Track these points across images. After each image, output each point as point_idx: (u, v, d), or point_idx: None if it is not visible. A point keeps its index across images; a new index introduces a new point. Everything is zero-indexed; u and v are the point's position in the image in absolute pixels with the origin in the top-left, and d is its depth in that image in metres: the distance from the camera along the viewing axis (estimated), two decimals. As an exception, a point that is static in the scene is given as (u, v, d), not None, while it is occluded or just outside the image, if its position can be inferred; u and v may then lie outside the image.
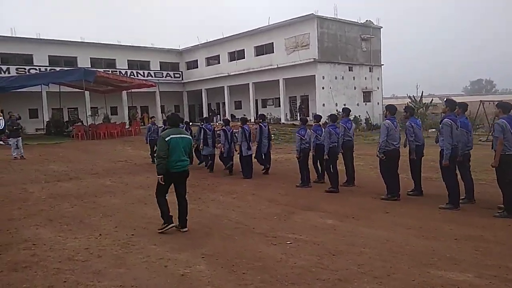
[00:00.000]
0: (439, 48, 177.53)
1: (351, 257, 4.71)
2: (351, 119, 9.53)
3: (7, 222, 6.78)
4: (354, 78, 32.29)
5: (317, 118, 9.85)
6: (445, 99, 7.40)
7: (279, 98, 33.25)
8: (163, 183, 5.93)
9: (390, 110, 7.98)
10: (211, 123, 12.86)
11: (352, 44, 32.19)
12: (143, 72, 37.84)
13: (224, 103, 38.84)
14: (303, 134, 9.42)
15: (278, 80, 32.01)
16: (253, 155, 11.16)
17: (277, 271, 4.37)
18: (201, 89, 39.50)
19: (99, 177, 11.94)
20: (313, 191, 8.95)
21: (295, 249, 5.08)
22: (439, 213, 6.73)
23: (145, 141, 15.51)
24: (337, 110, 29.61)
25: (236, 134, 11.84)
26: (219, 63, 37.94)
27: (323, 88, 30.03)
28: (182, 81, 41.04)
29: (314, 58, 29.34)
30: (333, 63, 30.67)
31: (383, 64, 34.56)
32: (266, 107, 36.44)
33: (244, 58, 35.13)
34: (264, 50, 33.72)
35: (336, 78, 30.89)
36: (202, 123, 13.41)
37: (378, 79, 34.36)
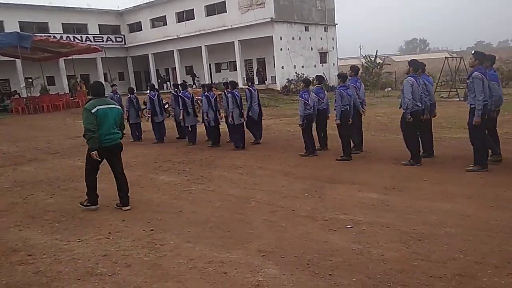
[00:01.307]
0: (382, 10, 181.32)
1: (442, 240, 4.00)
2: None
3: (-26, 225, 5.33)
4: (310, 38, 31.51)
5: (307, 82, 8.91)
6: (473, 52, 6.74)
7: (235, 61, 31.80)
8: (98, 159, 5.53)
9: (414, 66, 7.23)
10: (187, 90, 11.49)
11: (307, 2, 31.15)
12: (81, 37, 34.17)
13: (174, 69, 36.62)
14: (306, 98, 8.48)
15: (233, 42, 30.41)
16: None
17: (370, 268, 3.54)
18: (148, 54, 36.82)
19: (63, 157, 10.34)
20: (322, 160, 8.16)
21: (366, 235, 4.28)
22: (480, 176, 6.22)
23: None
24: (296, 73, 29.09)
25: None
26: (166, 24, 35.31)
27: (281, 49, 29.00)
28: (125, 46, 37.93)
29: (271, 18, 28.01)
30: (289, 23, 29.56)
31: (337, 24, 34.04)
32: (220, 71, 34.85)
33: (194, 18, 32.89)
34: (216, 9, 31.71)
35: (293, 38, 29.92)
36: (176, 89, 12.03)
37: (333, 39, 33.87)
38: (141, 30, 37.15)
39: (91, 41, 33.89)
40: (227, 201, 5.80)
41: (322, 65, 32.61)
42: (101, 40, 35.36)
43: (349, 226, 4.53)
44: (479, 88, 6.33)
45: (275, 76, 29.84)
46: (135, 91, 13.15)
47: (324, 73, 31.57)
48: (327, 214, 4.98)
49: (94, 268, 3.86)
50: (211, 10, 31.96)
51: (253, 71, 33.03)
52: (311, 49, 31.67)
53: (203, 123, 10.85)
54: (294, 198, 5.77)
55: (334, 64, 34.06)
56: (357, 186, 6.16)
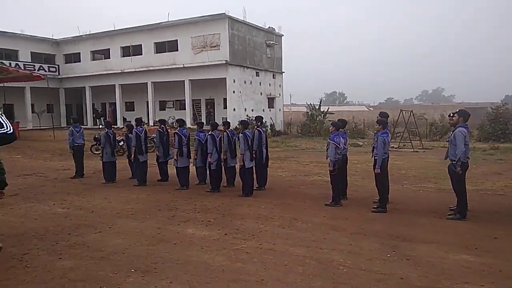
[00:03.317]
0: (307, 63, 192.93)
1: None
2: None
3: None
4: (260, 83, 31.74)
5: (336, 125, 8.37)
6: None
7: (182, 100, 30.76)
8: None
9: (464, 116, 7.05)
10: (164, 126, 10.42)
11: (258, 49, 31.62)
12: (9, 63, 30.80)
13: (112, 104, 34.44)
14: (338, 142, 7.89)
15: (183, 81, 29.46)
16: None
17: None
18: (85, 87, 34.22)
19: (31, 201, 8.45)
20: (355, 211, 7.48)
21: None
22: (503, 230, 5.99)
23: (69, 149, 11.96)
24: (247, 115, 28.75)
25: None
26: (109, 58, 33.35)
27: (233, 92, 28.66)
28: (59, 76, 34.94)
29: (226, 60, 27.77)
30: (242, 67, 29.56)
31: (284, 72, 34.89)
32: (165, 109, 33.37)
33: (141, 54, 31.49)
34: (166, 47, 30.76)
35: (245, 82, 29.86)
36: (162, 126, 10.80)
37: (280, 86, 34.54)
38: (79, 61, 34.64)
39: (21, 69, 30.66)
40: (306, 265, 4.80)
41: (270, 110, 32.83)
42: (32, 69, 32.10)
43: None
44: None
45: (226, 118, 29.18)
46: (112, 126, 11.59)
47: (271, 118, 31.92)
48: (447, 284, 4.25)
49: None
50: (161, 48, 30.94)
51: (200, 111, 32.15)
52: (261, 93, 31.84)
53: (194, 165, 9.84)
54: (381, 260, 4.96)
55: (280, 109, 34.53)
56: (434, 245, 5.54)
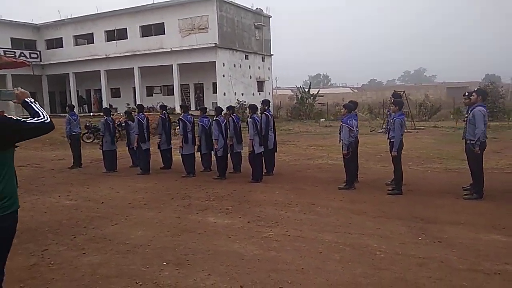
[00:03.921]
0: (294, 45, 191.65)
1: None
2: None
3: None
4: (249, 67, 31.36)
5: (349, 107, 8.20)
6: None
7: (170, 85, 30.22)
8: None
9: (483, 95, 7.00)
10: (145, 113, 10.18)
11: (247, 31, 31.12)
12: (-12, 50, 29.69)
13: (97, 90, 33.66)
14: (351, 125, 7.78)
15: (171, 65, 28.85)
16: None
17: None
18: (68, 73, 33.22)
19: (34, 193, 8.15)
20: (370, 194, 7.41)
21: None
22: None
23: (66, 138, 11.59)
24: (237, 100, 28.45)
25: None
26: (93, 42, 32.37)
27: (223, 75, 28.25)
28: (41, 63, 33.81)
29: (215, 43, 27.25)
30: (232, 50, 29.08)
31: (272, 54, 34.52)
32: (152, 95, 32.75)
33: (126, 38, 30.67)
34: (152, 30, 29.99)
35: (234, 66, 29.44)
36: (164, 112, 10.53)
37: (268, 69, 34.19)
38: (62, 47, 33.58)
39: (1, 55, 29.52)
40: (342, 251, 4.70)
41: (260, 94, 32.53)
42: (12, 55, 30.95)
43: (542, 280, 3.80)
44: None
45: (216, 102, 28.81)
46: (111, 113, 11.22)
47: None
48: (487, 265, 4.21)
49: None
50: (147, 31, 30.15)
51: (189, 96, 31.66)
52: (250, 77, 31.50)
53: (199, 151, 9.67)
54: (414, 244, 4.90)
55: (269, 93, 34.26)
56: (461, 226, 5.52)
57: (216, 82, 28.36)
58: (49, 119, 2.97)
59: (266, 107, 9.30)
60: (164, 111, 10.74)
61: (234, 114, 9.79)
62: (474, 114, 6.86)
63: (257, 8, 32.85)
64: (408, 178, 8.59)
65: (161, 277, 4.11)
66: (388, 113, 8.74)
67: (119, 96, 34.00)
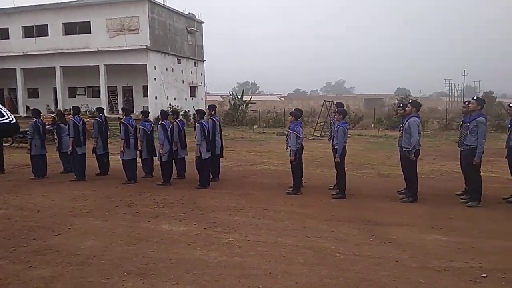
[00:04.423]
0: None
1: None
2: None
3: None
4: (182, 71, 30.91)
5: (296, 115, 8.43)
6: (474, 97, 7.45)
7: (96, 87, 28.74)
8: None
9: (416, 106, 7.58)
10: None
11: (179, 35, 30.67)
12: None
13: (12, 90, 30.87)
14: (298, 132, 8.02)
15: (98, 66, 27.44)
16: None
17: None
18: (-24, 70, 30.03)
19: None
20: (318, 199, 7.69)
21: (514, 281, 4.07)
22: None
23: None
24: (170, 104, 27.83)
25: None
26: (8, 38, 29.63)
27: (155, 79, 27.49)
28: None
29: (146, 46, 26.46)
30: (164, 53, 28.46)
31: (205, 60, 34.38)
32: (75, 96, 30.79)
33: (47, 35, 28.56)
34: (77, 29, 28.28)
35: (166, 69, 28.82)
36: (101, 115, 10.01)
37: (201, 74, 33.98)
38: (-31, 41, 30.25)
39: None
40: (304, 254, 4.82)
41: (192, 99, 32.22)
42: None
43: (484, 275, 4.23)
44: (484, 132, 7.00)
45: (147, 106, 27.93)
46: (41, 114, 10.35)
47: (194, 107, 31.33)
48: (436, 263, 4.60)
49: None
50: (71, 29, 28.38)
51: (117, 99, 30.31)
52: (183, 82, 31.05)
53: (141, 157, 9.35)
54: (368, 245, 5.19)
55: (202, 98, 34.04)
56: (405, 227, 5.95)
57: (146, 85, 27.51)
58: (14, 119, 2.69)
59: (213, 112, 9.25)
60: (100, 114, 10.19)
61: (179, 119, 9.60)
62: (410, 124, 7.42)
63: (189, 13, 32.56)
64: (347, 183, 9.07)
65: (126, 289, 3.89)
66: (332, 121, 9.15)
67: (37, 97, 31.51)
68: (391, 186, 8.82)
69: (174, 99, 29.20)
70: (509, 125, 7.58)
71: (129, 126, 9.13)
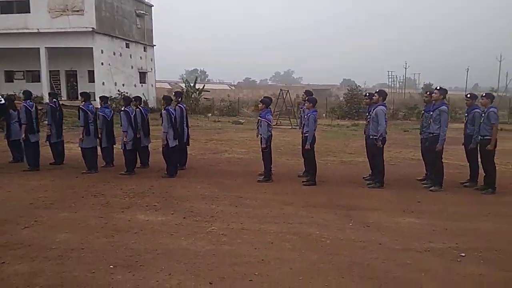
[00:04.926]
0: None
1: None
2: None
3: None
4: (131, 56, 29.69)
5: (266, 102, 8.34)
6: (437, 87, 7.78)
7: (37, 71, 26.87)
8: None
9: (383, 95, 7.81)
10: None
11: (128, 18, 29.36)
12: None
13: None
14: (270, 119, 7.99)
15: (38, 48, 25.59)
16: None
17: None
18: None
19: None
20: (289, 186, 7.76)
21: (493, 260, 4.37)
22: (446, 194, 7.18)
23: None
24: (118, 90, 26.70)
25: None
26: None
27: (102, 63, 26.16)
28: None
29: (92, 28, 25.03)
30: (111, 37, 27.13)
31: (155, 45, 33.24)
32: (12, 81, 28.60)
33: (-20, 13, 26.12)
34: (14, 7, 26.09)
35: (114, 54, 27.54)
36: (55, 100, 9.34)
37: (151, 60, 32.85)
38: None
39: None
40: (291, 240, 4.84)
41: (142, 85, 31.12)
42: None
43: (463, 254, 4.49)
44: (446, 120, 7.41)
45: (94, 92, 26.53)
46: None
47: (143, 94, 30.30)
48: (417, 245, 4.81)
49: None
50: (8, 8, 26.14)
51: (59, 84, 28.51)
52: (132, 67, 29.86)
53: (100, 145, 8.90)
54: (349, 229, 5.32)
55: (152, 85, 32.98)
56: (379, 211, 6.16)
57: (92, 70, 26.11)
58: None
59: (180, 99, 8.97)
60: (54, 99, 9.53)
61: (142, 105, 9.22)
62: (377, 112, 7.65)
63: (138, -5, 31.20)
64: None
65: (116, 282, 3.68)
66: (302, 109, 9.22)
67: (-33, 81, 28.83)
68: (355, 172, 9.12)
69: (123, 85, 28.01)
70: (466, 114, 8.07)
71: (89, 113, 8.60)
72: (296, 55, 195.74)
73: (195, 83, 32.69)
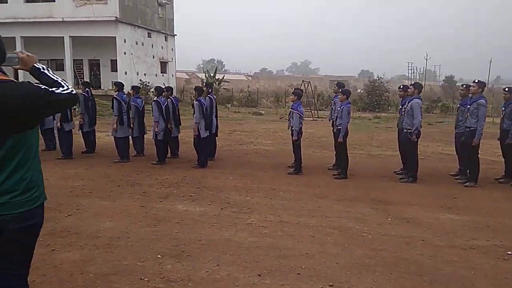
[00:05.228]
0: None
1: None
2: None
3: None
4: (152, 46, 29.78)
5: (298, 94, 8.26)
6: (475, 80, 7.57)
7: (60, 60, 27.23)
8: None
9: (419, 88, 7.68)
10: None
11: (150, 7, 29.41)
12: None
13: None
14: (302, 111, 7.95)
15: (62, 37, 25.90)
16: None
17: None
18: None
19: None
20: (320, 179, 7.73)
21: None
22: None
23: None
24: (140, 80, 26.91)
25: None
26: (-40, 3, 27.25)
27: (125, 53, 26.34)
28: None
29: (115, 17, 25.17)
30: (133, 26, 27.23)
31: (176, 35, 33.30)
32: (37, 69, 28.96)
33: (6, 2, 26.49)
34: (39, -4, 26.43)
35: (137, 43, 27.66)
36: (86, 89, 9.49)
37: (172, 49, 32.93)
38: None
39: None
40: (332, 234, 4.82)
41: (163, 75, 31.25)
42: None
43: (509, 253, 4.41)
44: (484, 114, 7.24)
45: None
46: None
47: (164, 83, 30.45)
48: (460, 242, 4.75)
49: None
50: (33, -4, 26.48)
51: (82, 73, 28.88)
52: (153, 57, 29.98)
53: (131, 135, 9.00)
54: (388, 224, 5.28)
55: (173, 75, 33.14)
56: (416, 207, 6.09)
57: (115, 60, 26.35)
58: (74, 89, 2.43)
59: (210, 90, 8.99)
60: (86, 88, 9.66)
61: (173, 96, 9.28)
62: (412, 105, 7.53)
63: (160, -16, 31.21)
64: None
65: (167, 271, 3.74)
66: (333, 101, 9.15)
67: (-6, 69, 29.37)
68: (385, 166, 9.03)
69: (144, 74, 28.22)
70: (503, 108, 7.88)
71: (122, 102, 8.70)
72: (314, 45, 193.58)
73: (215, 73, 32.68)
